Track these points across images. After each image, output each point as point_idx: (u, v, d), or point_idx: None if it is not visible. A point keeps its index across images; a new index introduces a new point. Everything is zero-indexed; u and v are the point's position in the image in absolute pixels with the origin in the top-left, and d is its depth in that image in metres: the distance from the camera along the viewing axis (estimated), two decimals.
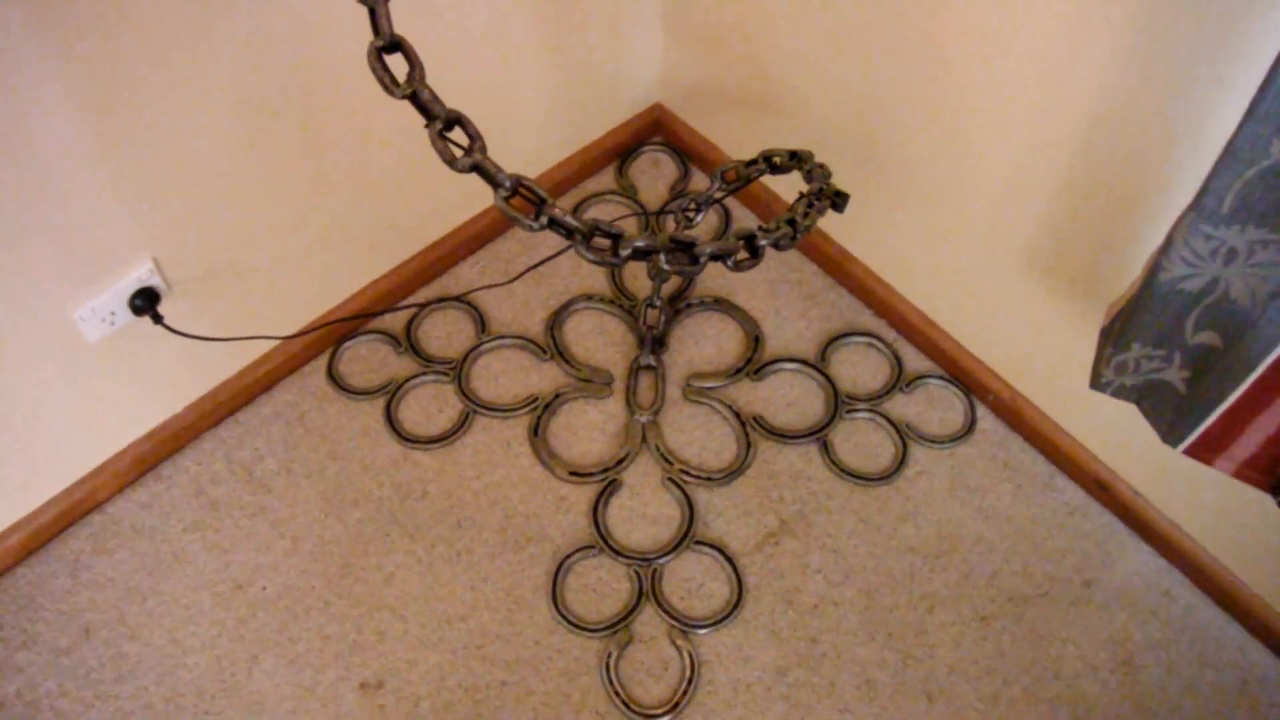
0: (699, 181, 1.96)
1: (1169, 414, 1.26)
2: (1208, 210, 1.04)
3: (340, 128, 1.48)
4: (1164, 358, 1.21)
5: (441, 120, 1.11)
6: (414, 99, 1.11)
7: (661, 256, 1.24)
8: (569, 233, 1.21)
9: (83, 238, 1.30)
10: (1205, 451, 1.25)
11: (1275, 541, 1.41)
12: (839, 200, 1.45)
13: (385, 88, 1.10)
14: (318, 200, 1.54)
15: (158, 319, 1.44)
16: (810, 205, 1.39)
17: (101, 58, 1.15)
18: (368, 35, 1.08)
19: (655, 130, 2.00)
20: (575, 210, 1.90)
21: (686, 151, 1.97)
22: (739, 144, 1.85)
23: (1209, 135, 1.14)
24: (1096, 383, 1.29)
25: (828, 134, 1.64)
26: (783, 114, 1.71)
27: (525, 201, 1.23)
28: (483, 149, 1.14)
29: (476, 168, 1.13)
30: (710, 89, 1.84)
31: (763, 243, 1.28)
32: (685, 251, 1.25)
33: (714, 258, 1.26)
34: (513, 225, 1.88)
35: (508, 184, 1.15)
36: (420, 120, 1.15)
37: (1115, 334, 1.24)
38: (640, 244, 1.22)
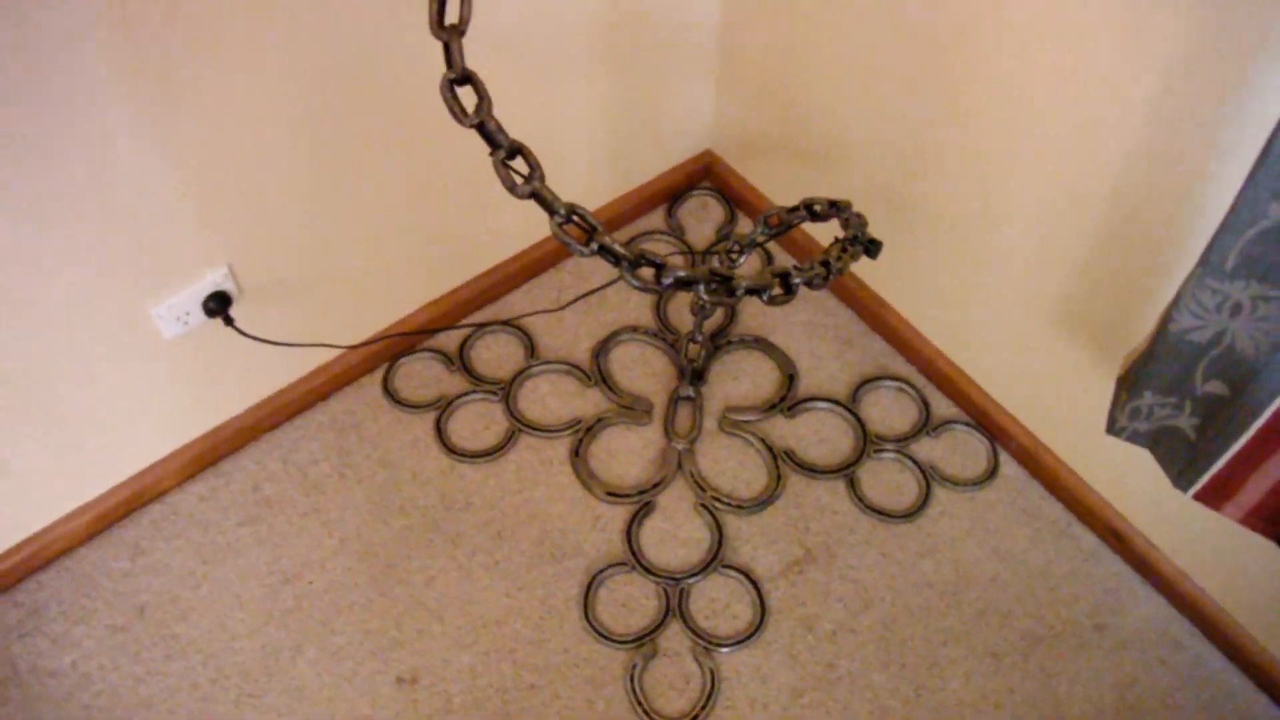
0: (744, 226, 2.05)
1: (1180, 459, 1.32)
2: (1213, 267, 1.11)
3: (410, 154, 1.59)
4: (1175, 405, 1.28)
5: (505, 149, 1.21)
6: (481, 128, 1.21)
7: (701, 287, 1.33)
8: (616, 259, 1.30)
9: (165, 242, 1.41)
10: (1214, 497, 1.31)
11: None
12: (872, 247, 1.53)
13: (455, 116, 1.20)
14: (384, 221, 1.65)
15: (229, 321, 1.55)
16: (845, 249, 1.47)
17: (191, 81, 1.27)
18: (438, 68, 1.19)
19: (705, 175, 2.11)
20: (627, 244, 2.00)
21: (733, 197, 2.07)
22: (783, 192, 1.95)
23: (1220, 198, 1.22)
24: (1112, 428, 1.36)
25: (868, 186, 1.72)
26: (826, 166, 1.80)
27: (578, 230, 1.32)
28: (541, 178, 1.24)
29: (535, 195, 1.23)
30: (758, 139, 1.94)
31: (796, 280, 1.37)
32: (723, 284, 1.34)
33: (750, 291, 1.35)
34: (564, 257, 1.99)
35: (562, 211, 1.25)
36: (484, 150, 1.25)
37: (1130, 382, 1.31)
38: (681, 274, 1.31)
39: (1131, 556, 1.65)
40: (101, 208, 1.31)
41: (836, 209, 1.62)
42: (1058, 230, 1.45)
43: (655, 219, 2.06)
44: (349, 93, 1.44)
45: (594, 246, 1.28)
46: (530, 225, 1.89)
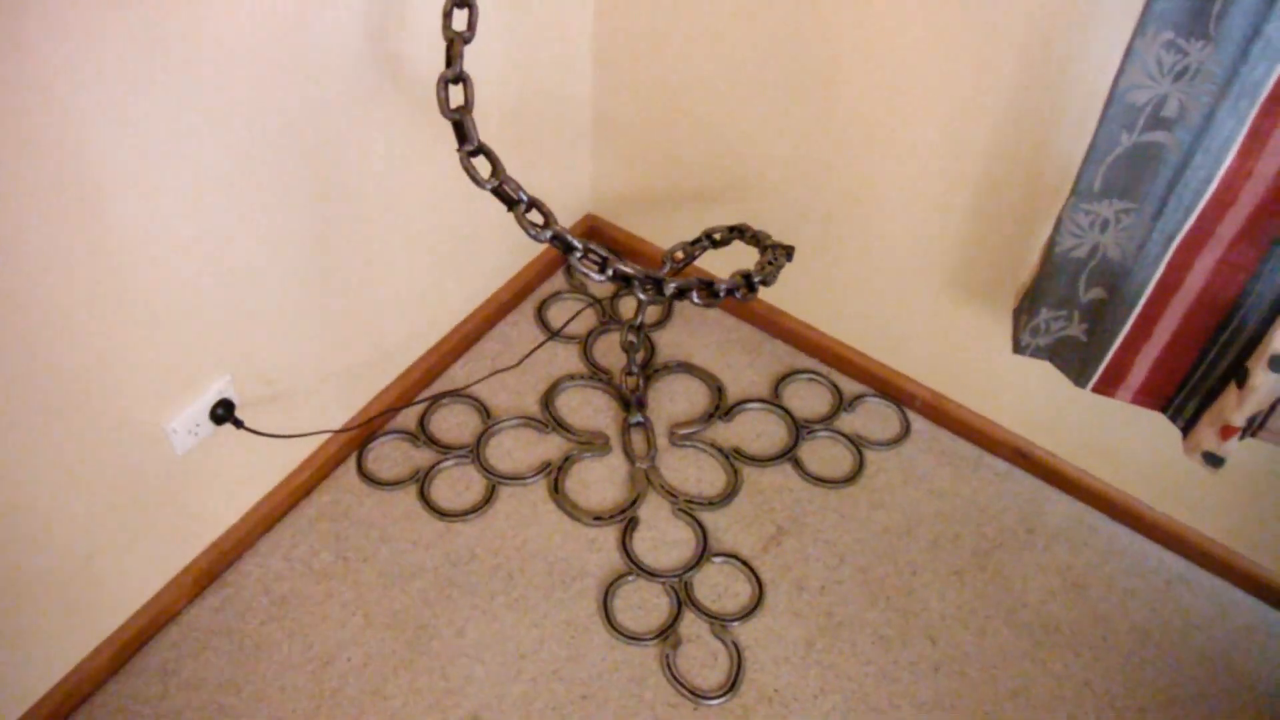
0: None
1: (1076, 362, 1.64)
2: (1083, 192, 1.44)
3: (373, 255, 1.75)
4: (1066, 317, 1.60)
5: (525, 203, 1.41)
6: (498, 190, 1.40)
7: (694, 293, 1.57)
8: (628, 280, 1.52)
9: (176, 358, 1.51)
10: (1108, 386, 1.63)
11: (1165, 466, 1.80)
12: (790, 251, 1.81)
13: (477, 183, 1.39)
14: (347, 322, 1.80)
15: (238, 424, 1.64)
16: (775, 254, 1.74)
17: (195, 214, 1.41)
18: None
19: (592, 235, 2.34)
20: (540, 307, 2.20)
21: (621, 249, 2.32)
22: (666, 236, 2.21)
23: (1066, 153, 1.56)
24: (1017, 348, 1.67)
25: (748, 213, 2.00)
26: (705, 204, 2.08)
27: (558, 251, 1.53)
28: (555, 221, 1.44)
29: (555, 237, 1.43)
30: (635, 194, 2.20)
31: (757, 279, 1.63)
32: (707, 288, 1.58)
33: (728, 292, 1.59)
34: (487, 329, 2.16)
35: (580, 247, 1.46)
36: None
37: (1026, 306, 1.62)
38: (678, 283, 1.54)
39: (1038, 469, 1.98)
40: (117, 335, 1.40)
41: (738, 232, 1.88)
42: (935, 209, 1.77)
43: (558, 281, 2.28)
44: (327, 213, 1.61)
45: (609, 272, 1.49)
46: (460, 302, 2.06)
